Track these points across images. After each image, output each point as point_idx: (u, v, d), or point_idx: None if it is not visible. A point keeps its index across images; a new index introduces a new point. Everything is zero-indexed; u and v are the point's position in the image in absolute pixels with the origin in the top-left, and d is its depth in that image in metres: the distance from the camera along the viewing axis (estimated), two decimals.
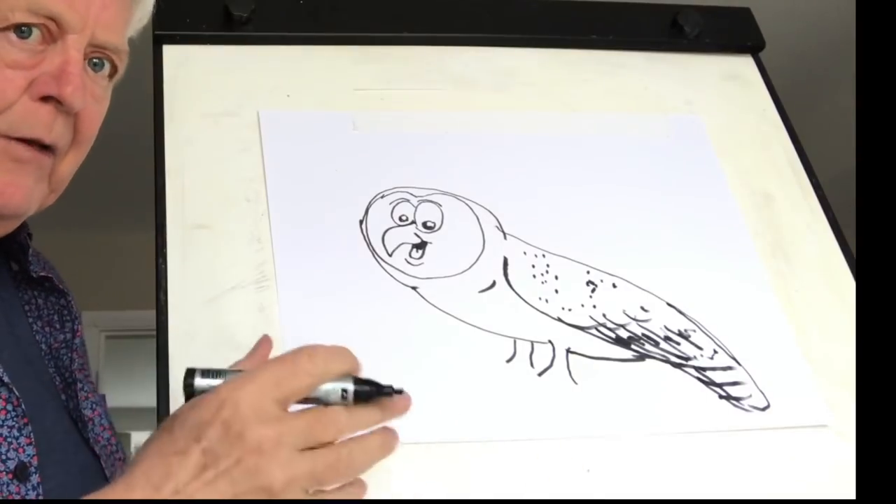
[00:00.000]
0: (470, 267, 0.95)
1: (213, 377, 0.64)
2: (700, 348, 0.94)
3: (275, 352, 0.86)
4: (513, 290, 0.95)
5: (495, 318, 0.92)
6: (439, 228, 0.97)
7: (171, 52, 1.05)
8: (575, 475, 0.84)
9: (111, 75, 0.82)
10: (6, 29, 0.71)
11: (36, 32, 0.74)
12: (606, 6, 1.21)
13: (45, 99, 0.74)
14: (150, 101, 1.02)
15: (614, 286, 0.97)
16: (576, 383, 0.90)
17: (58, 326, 0.87)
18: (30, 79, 0.74)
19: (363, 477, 0.67)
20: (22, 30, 0.73)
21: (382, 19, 1.13)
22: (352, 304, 0.91)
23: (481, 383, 0.88)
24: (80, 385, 0.84)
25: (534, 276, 0.96)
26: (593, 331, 0.94)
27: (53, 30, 0.74)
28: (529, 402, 0.88)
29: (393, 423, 0.84)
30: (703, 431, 0.89)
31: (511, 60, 1.14)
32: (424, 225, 0.97)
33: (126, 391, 4.36)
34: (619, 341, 0.94)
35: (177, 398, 0.83)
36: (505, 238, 0.98)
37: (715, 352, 0.94)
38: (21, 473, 0.64)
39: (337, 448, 0.63)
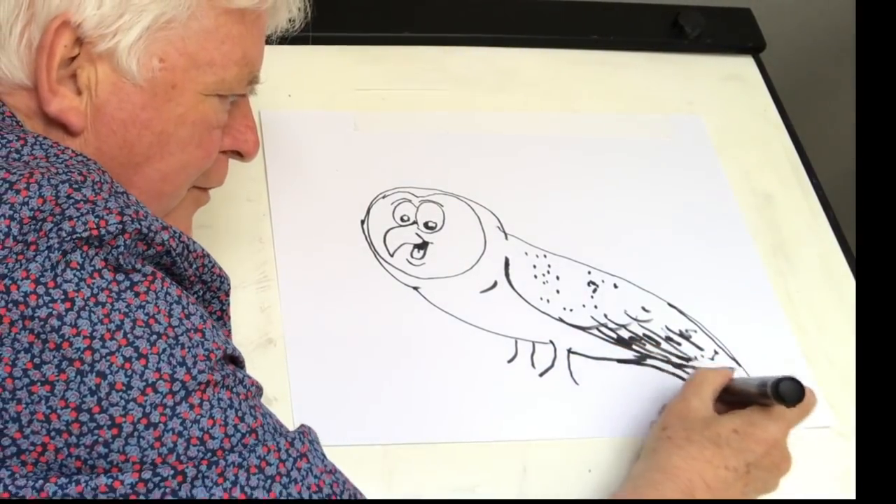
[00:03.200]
0: (471, 267, 0.95)
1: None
2: (701, 349, 0.94)
3: (276, 352, 0.87)
4: (514, 290, 0.95)
5: (497, 319, 0.92)
6: (441, 228, 0.97)
7: None
8: (576, 475, 0.85)
9: None
10: (225, 97, 0.73)
11: None
12: (607, 6, 1.21)
13: (226, 150, 0.78)
14: None
15: (615, 286, 0.97)
16: (577, 384, 0.90)
17: None
18: (222, 135, 0.76)
19: None
20: (235, 97, 0.75)
21: (384, 19, 1.14)
22: (353, 305, 0.91)
23: (482, 383, 0.88)
24: None
25: (535, 277, 0.96)
26: (594, 331, 0.94)
27: None
28: (531, 403, 0.88)
29: (392, 424, 0.84)
30: None
31: (512, 60, 1.15)
32: (426, 225, 0.97)
33: None
34: (620, 342, 0.94)
35: None
36: (506, 238, 0.98)
37: (716, 352, 0.95)
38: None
39: None
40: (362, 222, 0.97)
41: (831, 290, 1.02)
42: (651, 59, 1.18)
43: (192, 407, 0.58)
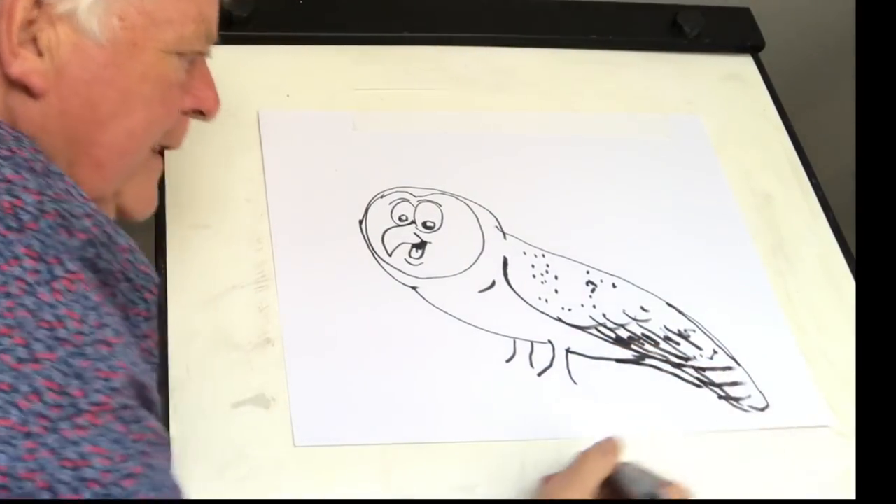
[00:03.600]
0: (470, 267, 0.95)
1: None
2: (700, 348, 0.94)
3: (274, 352, 0.87)
4: (512, 289, 0.95)
5: (495, 318, 0.92)
6: (439, 228, 0.97)
7: None
8: None
9: None
10: (184, 54, 0.73)
11: None
12: (606, 6, 1.21)
13: (187, 111, 0.79)
14: None
15: (614, 286, 0.97)
16: (575, 383, 0.90)
17: None
18: (182, 93, 0.76)
19: None
20: (195, 55, 0.75)
21: (382, 19, 1.14)
22: (351, 304, 0.91)
23: (481, 383, 0.88)
24: None
25: (533, 276, 0.96)
26: (593, 331, 0.94)
27: None
28: (529, 402, 0.88)
29: (390, 423, 0.84)
30: (702, 432, 0.89)
31: (511, 60, 1.15)
32: (424, 225, 0.97)
33: None
34: (618, 341, 0.94)
35: (177, 398, 0.83)
36: (505, 238, 0.98)
37: (714, 352, 0.94)
38: None
39: None
40: (361, 222, 0.97)
41: (831, 290, 1.02)
42: (650, 59, 1.18)
43: (75, 427, 0.53)
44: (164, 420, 0.81)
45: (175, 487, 0.59)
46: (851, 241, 1.02)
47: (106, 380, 0.55)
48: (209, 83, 0.79)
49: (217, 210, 0.95)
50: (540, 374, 0.90)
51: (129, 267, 0.65)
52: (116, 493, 0.53)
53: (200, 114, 0.80)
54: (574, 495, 0.74)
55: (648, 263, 0.99)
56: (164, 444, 0.60)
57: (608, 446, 0.77)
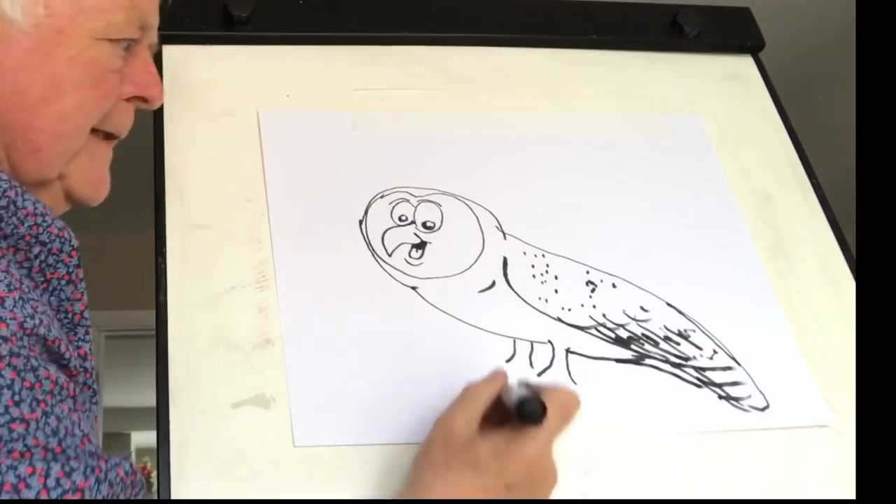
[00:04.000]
0: (469, 267, 0.95)
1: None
2: (700, 348, 0.94)
3: (274, 352, 0.87)
4: (512, 290, 0.95)
5: (495, 318, 0.92)
6: (439, 228, 0.97)
7: (170, 52, 1.05)
8: (575, 475, 0.84)
9: None
10: (117, 41, 0.76)
11: None
12: (606, 6, 1.21)
13: (130, 98, 0.81)
14: None
15: (614, 286, 0.97)
16: (575, 383, 0.90)
17: None
18: (120, 79, 0.78)
19: None
20: (128, 42, 0.77)
21: (382, 19, 1.13)
22: (351, 304, 0.91)
23: None
24: None
25: (533, 276, 0.96)
26: (593, 331, 0.94)
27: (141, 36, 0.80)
28: None
29: (390, 424, 0.84)
30: (702, 432, 0.89)
31: (511, 60, 1.14)
32: (424, 225, 0.97)
33: (126, 391, 4.36)
34: (618, 341, 0.94)
35: (176, 398, 0.83)
36: (504, 238, 0.98)
37: (714, 352, 0.94)
38: None
39: None
40: (360, 222, 0.97)
41: (830, 290, 1.02)
42: (650, 59, 1.18)
43: None
44: (164, 420, 0.81)
45: (78, 437, 0.59)
46: (851, 241, 1.02)
47: None
48: (150, 70, 0.82)
49: (217, 210, 0.95)
50: (540, 374, 0.90)
51: (38, 231, 0.67)
52: (3, 433, 0.54)
53: (144, 101, 0.82)
54: (459, 420, 0.75)
55: (648, 263, 0.99)
56: (68, 395, 0.60)
57: (493, 374, 0.79)
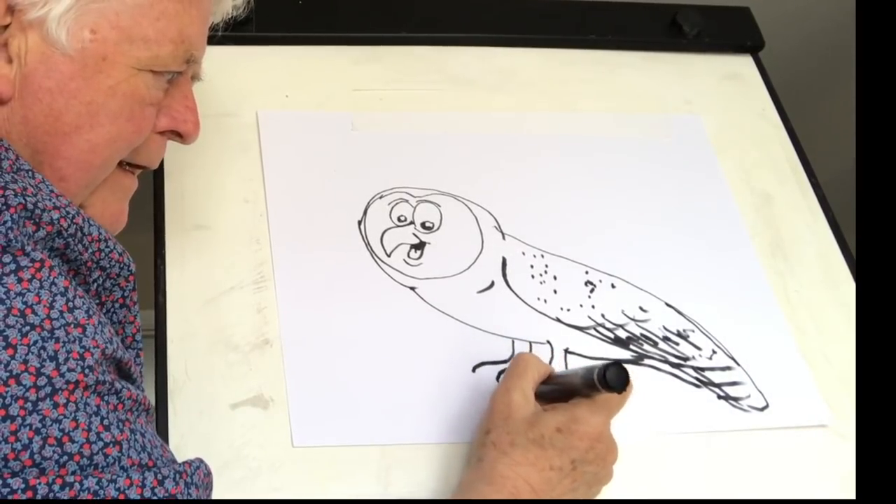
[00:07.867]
0: (468, 267, 0.95)
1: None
2: (699, 348, 0.94)
3: (273, 352, 0.87)
4: (511, 290, 0.94)
5: (494, 319, 0.92)
6: (438, 229, 0.97)
7: None
8: None
9: None
10: (160, 73, 0.73)
11: None
12: (606, 6, 1.21)
13: (164, 131, 0.78)
14: None
15: (613, 286, 0.97)
16: None
17: None
18: (157, 112, 0.76)
19: None
20: (172, 74, 0.74)
21: (381, 19, 1.13)
22: (350, 305, 0.91)
23: (480, 384, 0.88)
24: None
25: (532, 277, 0.96)
26: (592, 331, 0.94)
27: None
28: None
29: (389, 424, 0.84)
30: (702, 432, 0.89)
31: (510, 60, 1.14)
32: (423, 225, 0.97)
33: None
34: (617, 341, 0.93)
35: (175, 398, 0.83)
36: (503, 238, 0.98)
37: (714, 352, 0.94)
38: None
39: None
40: (359, 223, 0.97)
41: (830, 290, 1.01)
42: (649, 59, 1.18)
43: (55, 406, 0.56)
44: (164, 420, 0.81)
45: (158, 447, 0.62)
46: (851, 241, 1.02)
47: (79, 359, 0.58)
48: (190, 105, 0.78)
49: (216, 210, 0.95)
50: None
51: (100, 256, 0.66)
52: (100, 461, 0.57)
53: (178, 136, 0.79)
54: (516, 396, 0.78)
55: (647, 263, 0.99)
56: (143, 409, 0.63)
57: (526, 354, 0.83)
